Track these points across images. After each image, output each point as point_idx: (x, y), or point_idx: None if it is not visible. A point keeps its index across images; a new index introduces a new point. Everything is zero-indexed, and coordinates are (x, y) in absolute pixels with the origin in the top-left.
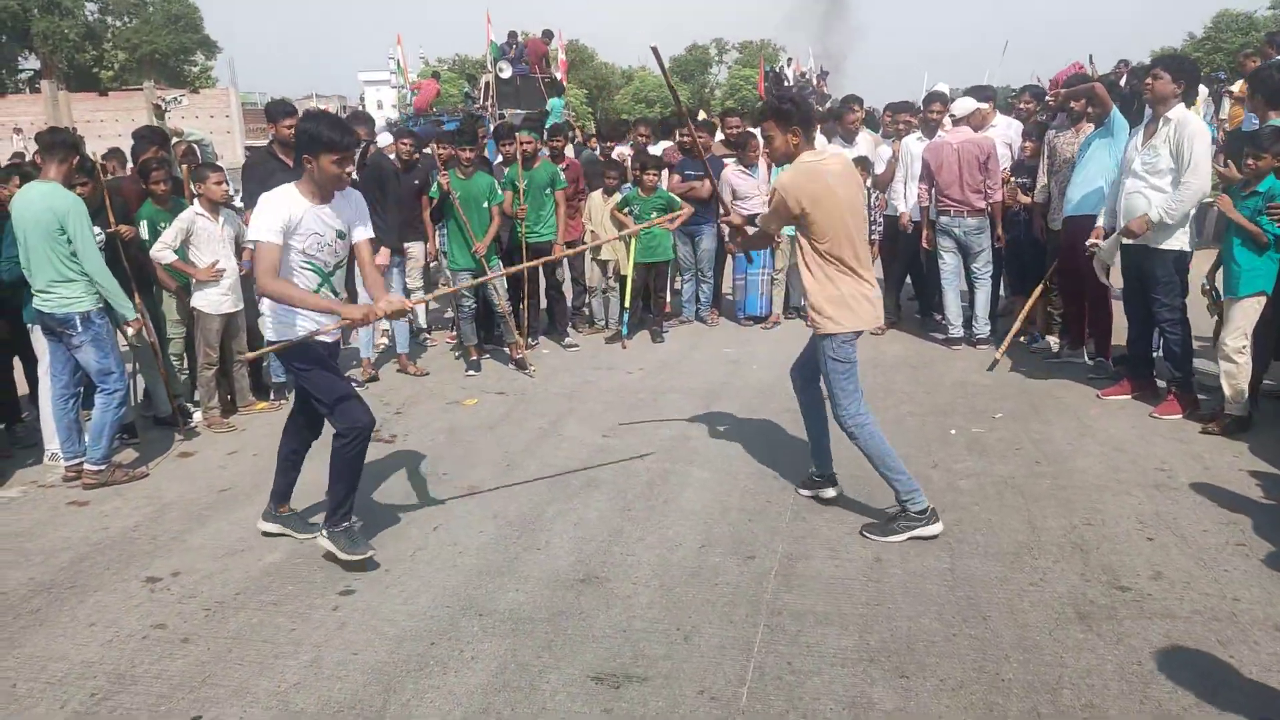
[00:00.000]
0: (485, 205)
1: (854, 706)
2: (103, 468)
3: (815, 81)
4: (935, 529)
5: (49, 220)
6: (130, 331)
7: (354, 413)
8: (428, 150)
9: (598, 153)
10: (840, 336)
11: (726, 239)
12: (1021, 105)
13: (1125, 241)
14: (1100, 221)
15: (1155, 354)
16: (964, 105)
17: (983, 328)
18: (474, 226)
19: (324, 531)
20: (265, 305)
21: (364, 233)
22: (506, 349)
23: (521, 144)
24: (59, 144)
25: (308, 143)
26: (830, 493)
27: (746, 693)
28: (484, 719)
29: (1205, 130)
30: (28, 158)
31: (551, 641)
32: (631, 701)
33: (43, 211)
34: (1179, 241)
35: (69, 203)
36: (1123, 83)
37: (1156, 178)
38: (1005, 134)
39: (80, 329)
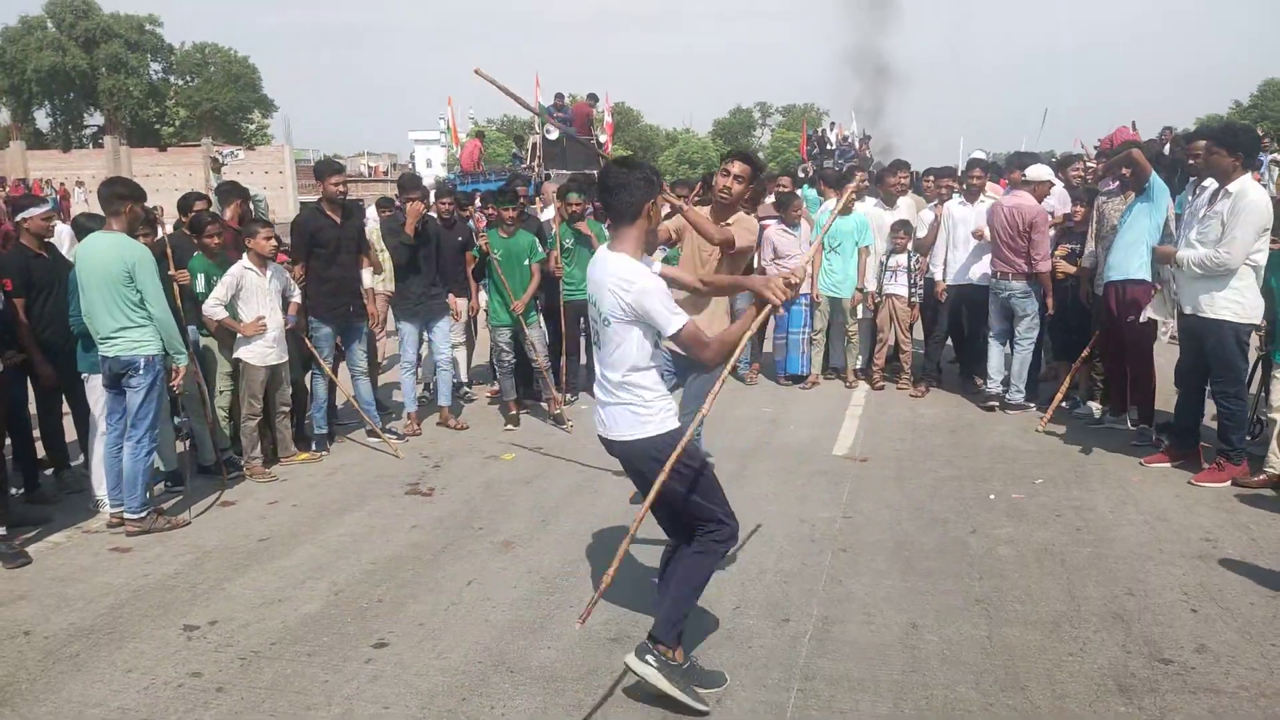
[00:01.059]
0: (526, 263)
1: None
2: (143, 515)
3: (858, 145)
4: None
5: (118, 270)
6: (180, 379)
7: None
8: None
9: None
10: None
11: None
12: (1072, 174)
13: (1187, 312)
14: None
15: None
16: (1038, 171)
17: (1014, 394)
18: (514, 284)
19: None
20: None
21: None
22: (544, 405)
23: (571, 205)
24: (118, 196)
25: (648, 188)
26: None
27: None
28: None
29: (1259, 209)
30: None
31: (583, 700)
32: None
33: (112, 261)
34: (1232, 313)
35: (138, 253)
36: (1165, 150)
37: (1207, 248)
38: (1047, 202)
39: (142, 371)
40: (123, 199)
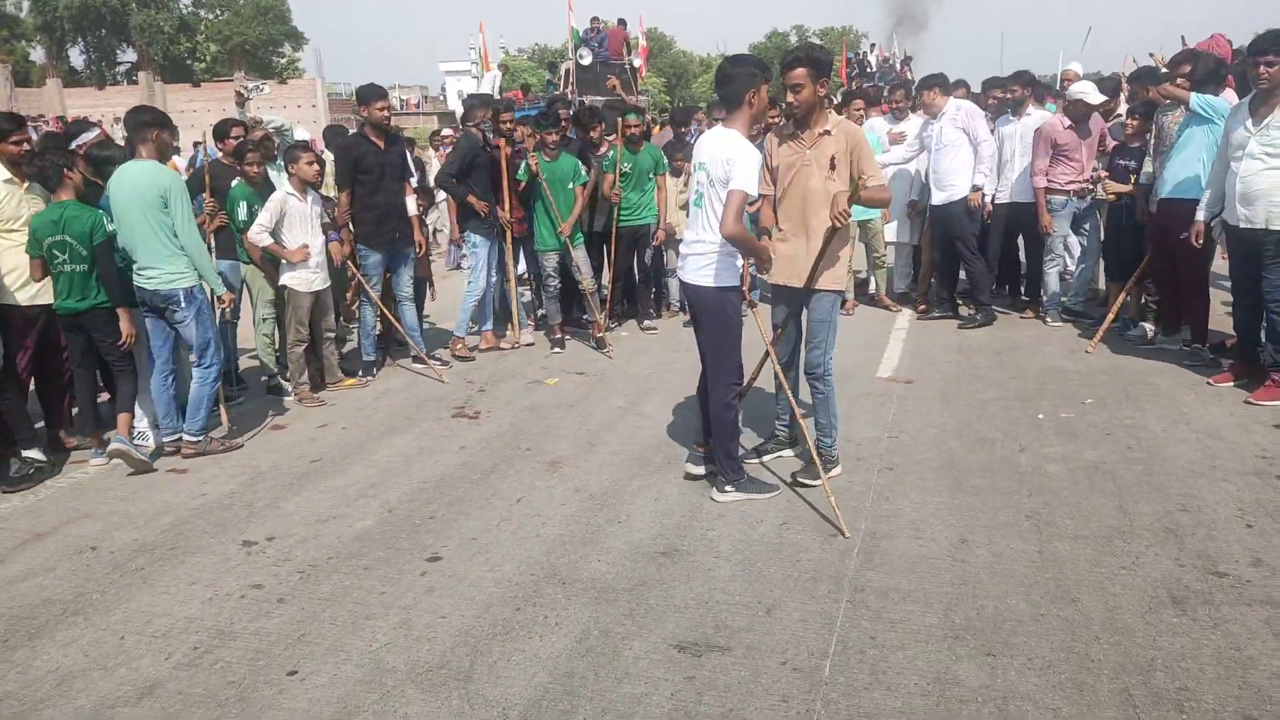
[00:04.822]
0: (570, 187)
1: (939, 682)
2: (200, 438)
3: (899, 67)
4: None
5: (152, 196)
6: (222, 307)
7: (737, 375)
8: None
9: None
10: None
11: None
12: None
13: (1240, 224)
14: (1200, 215)
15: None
16: (1074, 90)
17: (1050, 305)
18: (559, 207)
19: (729, 487)
20: (710, 257)
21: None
22: (589, 329)
23: (628, 127)
24: (145, 124)
25: (750, 78)
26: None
27: (829, 665)
28: (568, 682)
29: None
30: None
31: (634, 610)
32: (714, 670)
33: (147, 188)
34: None
35: (170, 178)
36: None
37: (1278, 159)
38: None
39: (184, 304)
40: (149, 126)
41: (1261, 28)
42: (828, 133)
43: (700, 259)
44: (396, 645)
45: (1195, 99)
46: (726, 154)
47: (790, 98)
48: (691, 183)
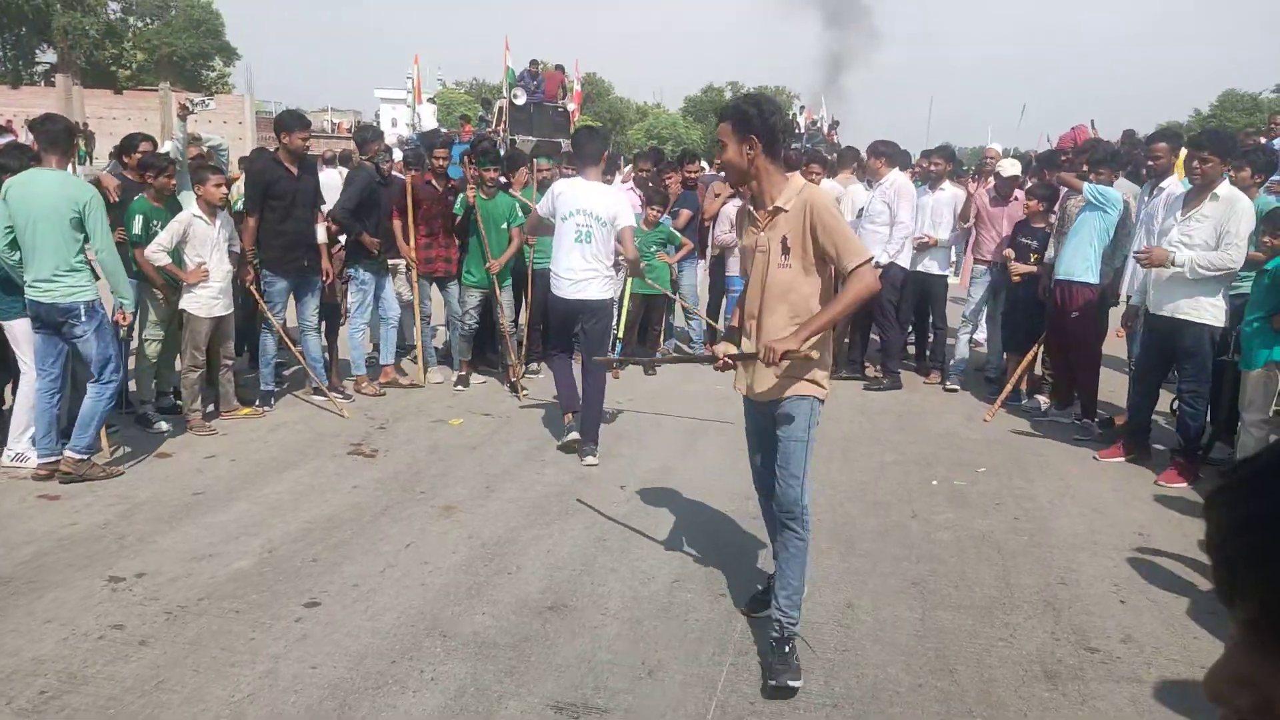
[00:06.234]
0: (504, 226)
1: None
2: (84, 458)
3: (825, 130)
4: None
5: (66, 210)
6: (126, 324)
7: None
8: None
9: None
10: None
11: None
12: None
13: (1150, 309)
14: (1134, 299)
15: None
16: (1009, 166)
17: (955, 370)
18: (492, 246)
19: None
20: (607, 279)
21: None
22: (508, 368)
23: (540, 170)
24: (61, 133)
25: (602, 145)
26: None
27: None
28: None
29: (1252, 212)
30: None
31: (514, 667)
32: None
33: (61, 200)
34: (1212, 316)
35: (89, 193)
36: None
37: (1193, 251)
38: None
39: (84, 318)
40: (73, 135)
41: (1163, 119)
42: (781, 209)
43: (601, 281)
44: (260, 696)
45: (1089, 188)
46: (609, 202)
47: (717, 157)
48: (568, 224)
